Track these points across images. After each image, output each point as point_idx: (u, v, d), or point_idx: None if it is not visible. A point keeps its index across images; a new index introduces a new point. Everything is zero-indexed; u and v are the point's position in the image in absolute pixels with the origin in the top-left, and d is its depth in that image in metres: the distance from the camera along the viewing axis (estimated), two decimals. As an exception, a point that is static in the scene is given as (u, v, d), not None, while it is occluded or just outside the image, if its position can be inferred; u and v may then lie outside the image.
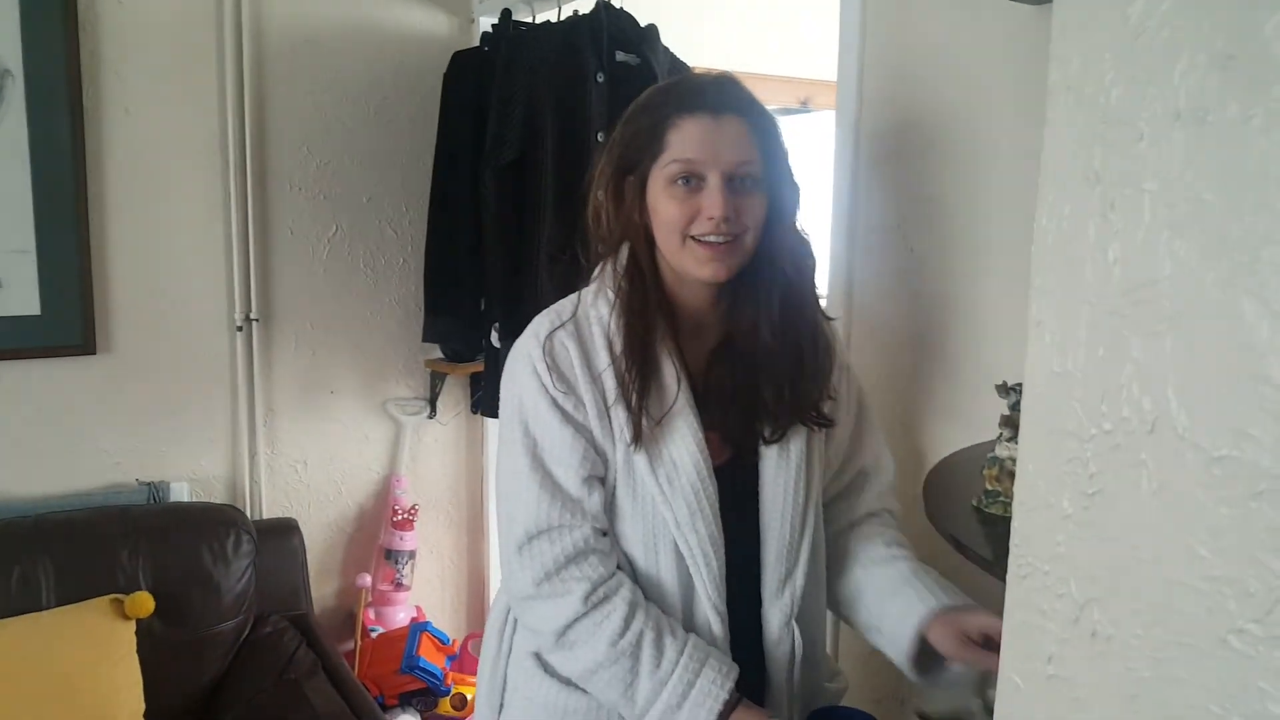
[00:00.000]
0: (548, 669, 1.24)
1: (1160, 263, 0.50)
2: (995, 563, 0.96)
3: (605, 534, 1.19)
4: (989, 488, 1.16)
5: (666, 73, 2.36)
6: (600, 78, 2.27)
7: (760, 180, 1.14)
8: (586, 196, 1.25)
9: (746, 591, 1.22)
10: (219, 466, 2.54)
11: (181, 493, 2.44)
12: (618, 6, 2.32)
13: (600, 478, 1.18)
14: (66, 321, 2.27)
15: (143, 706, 1.96)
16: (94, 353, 2.31)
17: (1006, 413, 1.18)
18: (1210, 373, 0.47)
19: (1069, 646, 0.54)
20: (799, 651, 1.22)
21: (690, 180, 1.12)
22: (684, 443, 1.16)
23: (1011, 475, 1.11)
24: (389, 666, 2.54)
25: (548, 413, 1.17)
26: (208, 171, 2.43)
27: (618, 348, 1.17)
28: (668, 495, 1.16)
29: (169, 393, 2.44)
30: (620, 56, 2.31)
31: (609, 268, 1.23)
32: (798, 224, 1.21)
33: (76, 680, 1.89)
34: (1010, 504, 1.11)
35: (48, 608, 1.98)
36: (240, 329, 2.49)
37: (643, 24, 2.34)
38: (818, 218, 3.19)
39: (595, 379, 1.17)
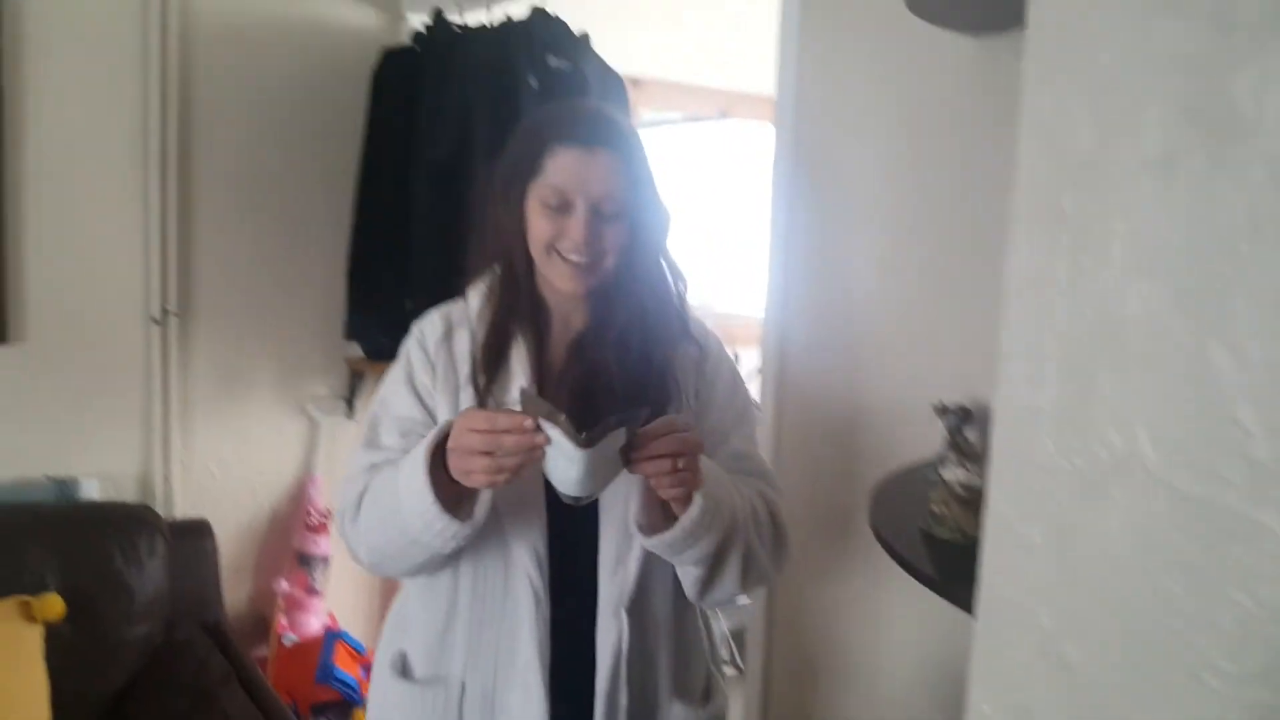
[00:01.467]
0: (395, 669, 1.34)
1: (1129, 304, 0.52)
2: (943, 583, 0.98)
3: None
4: (936, 510, 1.18)
5: (598, 79, 2.37)
6: (533, 83, 2.27)
7: (625, 210, 1.25)
8: None
9: (586, 577, 1.26)
10: (131, 464, 2.46)
11: (92, 490, 2.35)
12: (552, 14, 2.32)
13: (420, 433, 1.26)
14: (-25, 310, 2.17)
15: (48, 716, 1.88)
16: (5, 342, 2.23)
17: (948, 435, 1.20)
18: (1180, 412, 0.49)
19: (1037, 678, 0.55)
20: (625, 643, 1.24)
21: (559, 204, 1.23)
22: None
23: (959, 500, 1.13)
24: (304, 675, 2.49)
25: (399, 373, 1.33)
26: (128, 161, 2.35)
27: (479, 336, 1.30)
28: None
29: (82, 386, 2.36)
30: (553, 62, 2.32)
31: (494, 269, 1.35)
32: (663, 249, 1.32)
33: (-23, 687, 1.81)
34: (958, 528, 1.13)
35: (-52, 609, 1.89)
36: (157, 322, 2.42)
37: (576, 32, 2.35)
38: (740, 231, 3.23)
39: (453, 359, 1.31)
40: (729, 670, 3.32)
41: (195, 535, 2.37)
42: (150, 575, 2.13)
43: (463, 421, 1.11)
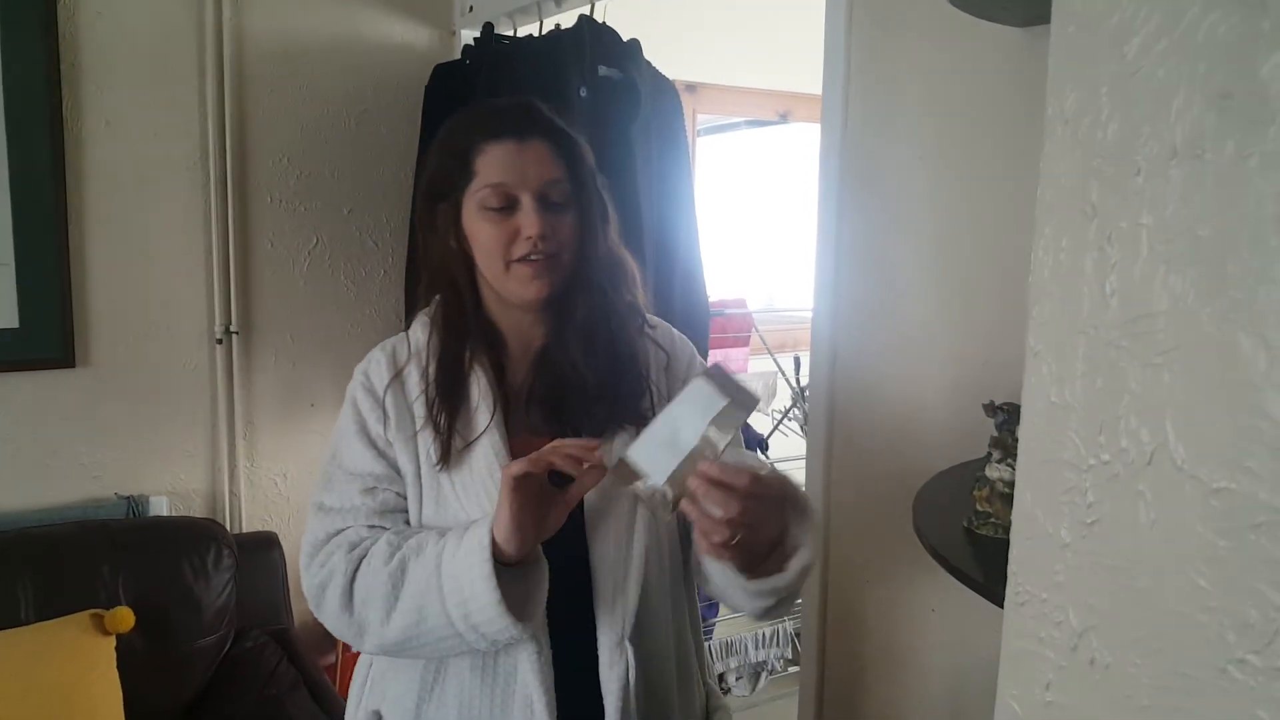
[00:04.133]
0: None
1: (1157, 297, 0.51)
2: (985, 584, 0.97)
3: (379, 528, 1.20)
4: (979, 509, 1.16)
5: (650, 86, 2.37)
6: (583, 92, 2.27)
7: (569, 200, 1.18)
8: None
9: (580, 610, 1.17)
10: (198, 480, 2.52)
11: (161, 506, 2.42)
12: (600, 21, 2.32)
13: (384, 488, 1.20)
14: (45, 334, 2.25)
15: (122, 724, 1.94)
16: (73, 365, 2.30)
17: (995, 433, 1.19)
18: (1208, 406, 0.48)
19: (1067, 674, 0.54)
20: (633, 675, 1.14)
21: (504, 204, 1.15)
22: (483, 451, 1.17)
23: (1002, 497, 1.12)
24: (370, 681, 2.52)
25: (349, 425, 1.22)
26: (188, 184, 2.42)
27: (430, 373, 1.21)
28: (463, 501, 1.16)
29: (148, 406, 2.42)
30: (603, 71, 2.31)
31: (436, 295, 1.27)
32: (611, 243, 1.25)
33: (56, 697, 1.87)
34: (1001, 525, 1.12)
35: (27, 623, 1.96)
36: (220, 341, 2.48)
37: (625, 39, 2.35)
38: (801, 234, 3.20)
39: (405, 400, 1.21)
40: (792, 668, 3.32)
41: (262, 547, 2.42)
42: (218, 587, 2.19)
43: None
